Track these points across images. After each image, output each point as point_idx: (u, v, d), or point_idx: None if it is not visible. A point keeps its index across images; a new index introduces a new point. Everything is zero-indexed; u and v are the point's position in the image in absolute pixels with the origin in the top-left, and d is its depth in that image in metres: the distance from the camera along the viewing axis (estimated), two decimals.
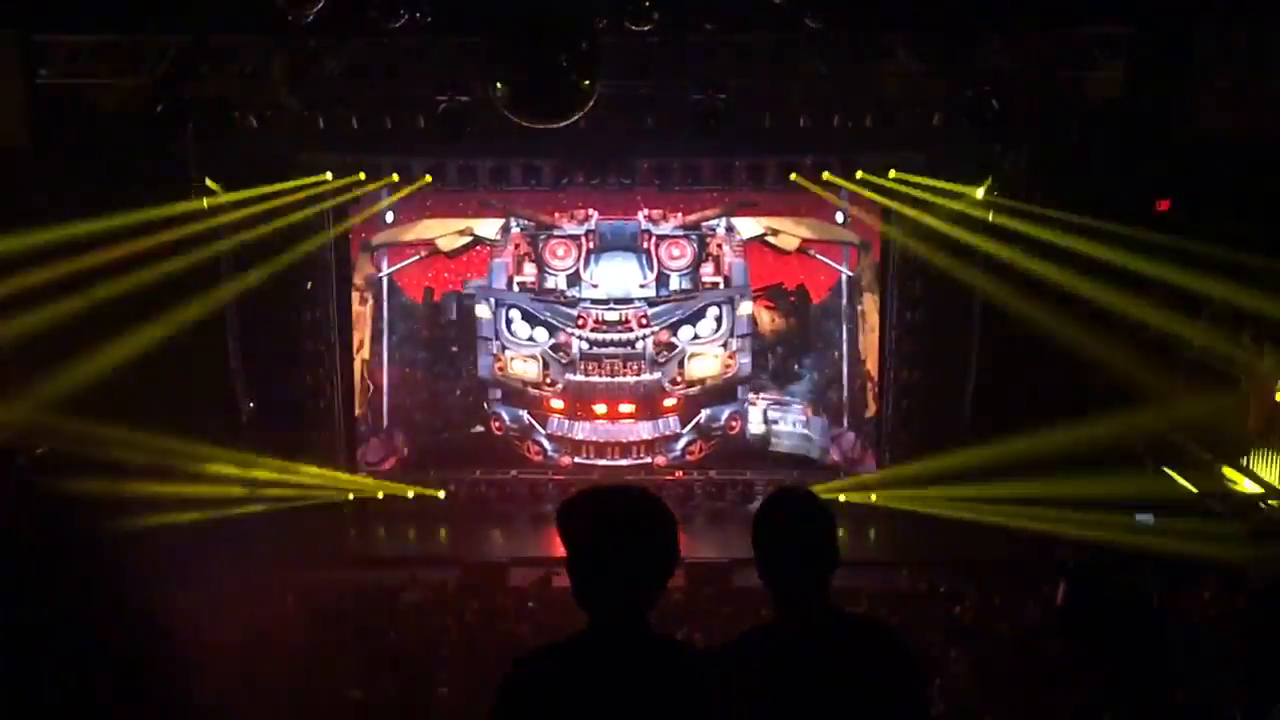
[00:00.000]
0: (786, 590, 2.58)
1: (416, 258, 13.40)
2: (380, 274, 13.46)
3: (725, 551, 12.16)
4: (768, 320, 13.73)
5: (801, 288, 13.63)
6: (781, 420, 13.71)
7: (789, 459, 13.58)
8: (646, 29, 8.67)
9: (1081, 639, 2.58)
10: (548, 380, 13.56)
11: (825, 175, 11.95)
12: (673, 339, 13.47)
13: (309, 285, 12.62)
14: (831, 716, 2.48)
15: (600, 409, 13.55)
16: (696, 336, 13.52)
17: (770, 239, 13.29)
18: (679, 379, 13.58)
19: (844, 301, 13.46)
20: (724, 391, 13.67)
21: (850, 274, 13.54)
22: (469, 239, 13.37)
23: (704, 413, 13.64)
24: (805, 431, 13.70)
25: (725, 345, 13.59)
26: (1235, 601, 7.96)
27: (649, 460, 13.59)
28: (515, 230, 13.45)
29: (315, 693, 7.74)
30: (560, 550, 2.35)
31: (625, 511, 2.32)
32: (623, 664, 2.26)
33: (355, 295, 13.38)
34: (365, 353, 13.45)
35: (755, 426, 13.70)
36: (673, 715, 2.25)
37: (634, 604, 2.29)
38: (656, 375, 13.45)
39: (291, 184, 11.86)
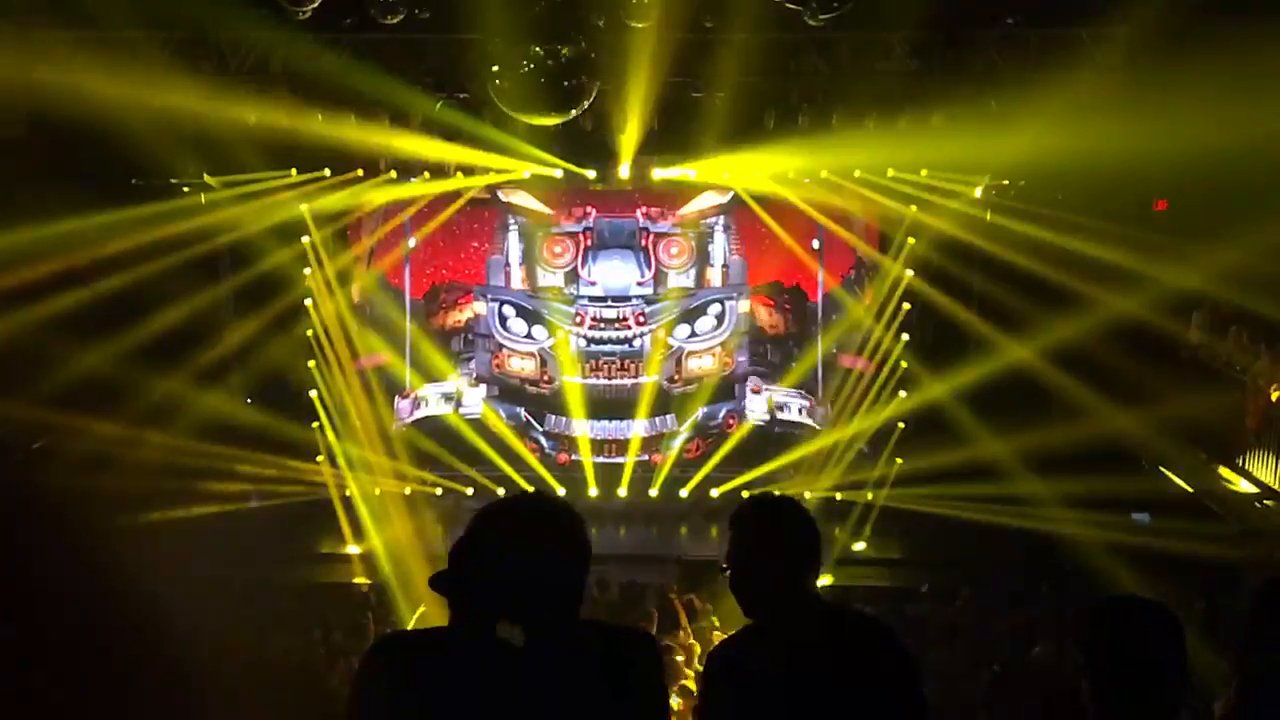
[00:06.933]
0: (772, 593, 2.57)
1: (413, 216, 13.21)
2: (371, 265, 13.43)
3: (722, 550, 12.16)
4: (765, 316, 13.73)
5: (797, 287, 13.64)
6: (786, 408, 13.69)
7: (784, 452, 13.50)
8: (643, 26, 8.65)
9: None
10: (545, 378, 13.56)
11: (824, 173, 11.94)
12: (670, 337, 13.47)
13: (306, 279, 12.57)
14: (832, 713, 2.48)
15: (598, 407, 13.54)
16: (694, 334, 13.52)
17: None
18: (676, 377, 13.58)
19: (840, 298, 13.45)
20: (721, 389, 13.67)
21: (848, 271, 13.56)
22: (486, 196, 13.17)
23: (701, 410, 13.64)
24: (808, 421, 13.68)
25: (723, 344, 13.59)
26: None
27: (646, 458, 13.59)
28: (512, 227, 13.44)
29: (312, 687, 7.73)
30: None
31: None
32: None
33: (354, 289, 13.37)
34: (363, 347, 13.42)
35: (760, 415, 13.68)
36: None
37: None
38: (654, 373, 13.45)
39: (289, 179, 11.85)
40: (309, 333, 12.69)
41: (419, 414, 13.63)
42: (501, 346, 13.57)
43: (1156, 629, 2.26)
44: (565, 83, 8.72)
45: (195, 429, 11.07)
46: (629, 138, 10.94)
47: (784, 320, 13.76)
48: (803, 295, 13.66)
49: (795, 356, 13.70)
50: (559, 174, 12.08)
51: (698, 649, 7.90)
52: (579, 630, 2.25)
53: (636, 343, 13.40)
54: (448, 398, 13.61)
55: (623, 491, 13.47)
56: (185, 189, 11.60)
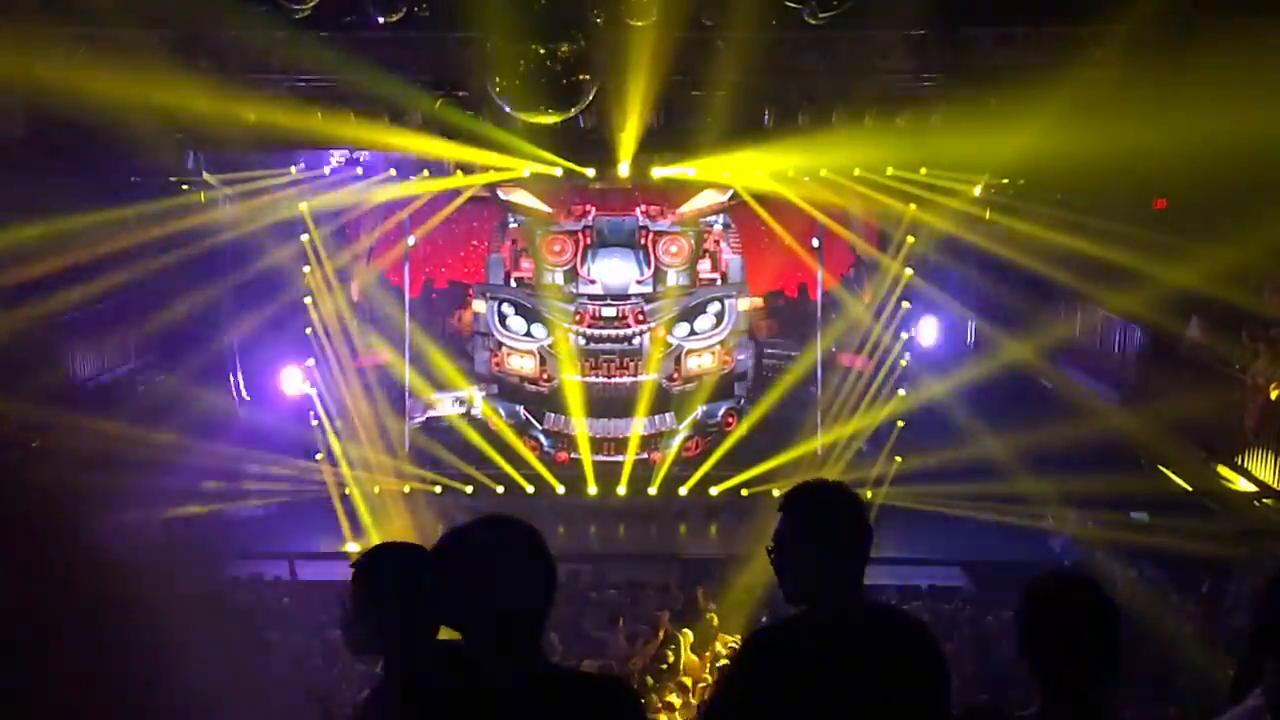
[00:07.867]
0: (815, 582, 2.52)
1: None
2: (370, 263, 13.44)
3: (722, 548, 12.19)
4: (764, 328, 13.76)
5: (802, 286, 13.65)
6: None
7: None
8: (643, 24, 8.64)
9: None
10: (545, 376, 13.55)
11: (823, 172, 11.94)
12: (670, 335, 13.46)
13: (306, 276, 12.57)
14: (866, 707, 2.45)
15: (597, 405, 13.54)
16: (694, 333, 13.52)
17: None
18: (676, 375, 13.57)
19: (840, 296, 13.46)
20: (721, 388, 13.67)
21: (847, 270, 13.58)
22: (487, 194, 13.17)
23: (700, 409, 13.63)
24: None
25: (723, 342, 13.58)
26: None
27: (645, 456, 13.58)
28: (512, 225, 13.44)
29: (310, 686, 7.73)
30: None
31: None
32: None
33: (353, 287, 13.38)
34: (362, 345, 13.44)
35: None
36: None
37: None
38: (653, 371, 13.44)
39: (289, 177, 11.85)
40: (308, 330, 12.70)
41: (428, 415, 13.69)
42: (501, 345, 13.56)
43: (1077, 602, 2.37)
44: (565, 81, 8.70)
45: (195, 427, 11.08)
46: (629, 136, 10.93)
47: (782, 326, 13.78)
48: (805, 294, 13.67)
49: (794, 358, 13.69)
50: (558, 172, 12.07)
51: (689, 638, 7.94)
52: (555, 676, 2.18)
53: (636, 341, 13.39)
54: (460, 402, 13.65)
55: (622, 490, 13.47)
56: (185, 187, 11.60)
